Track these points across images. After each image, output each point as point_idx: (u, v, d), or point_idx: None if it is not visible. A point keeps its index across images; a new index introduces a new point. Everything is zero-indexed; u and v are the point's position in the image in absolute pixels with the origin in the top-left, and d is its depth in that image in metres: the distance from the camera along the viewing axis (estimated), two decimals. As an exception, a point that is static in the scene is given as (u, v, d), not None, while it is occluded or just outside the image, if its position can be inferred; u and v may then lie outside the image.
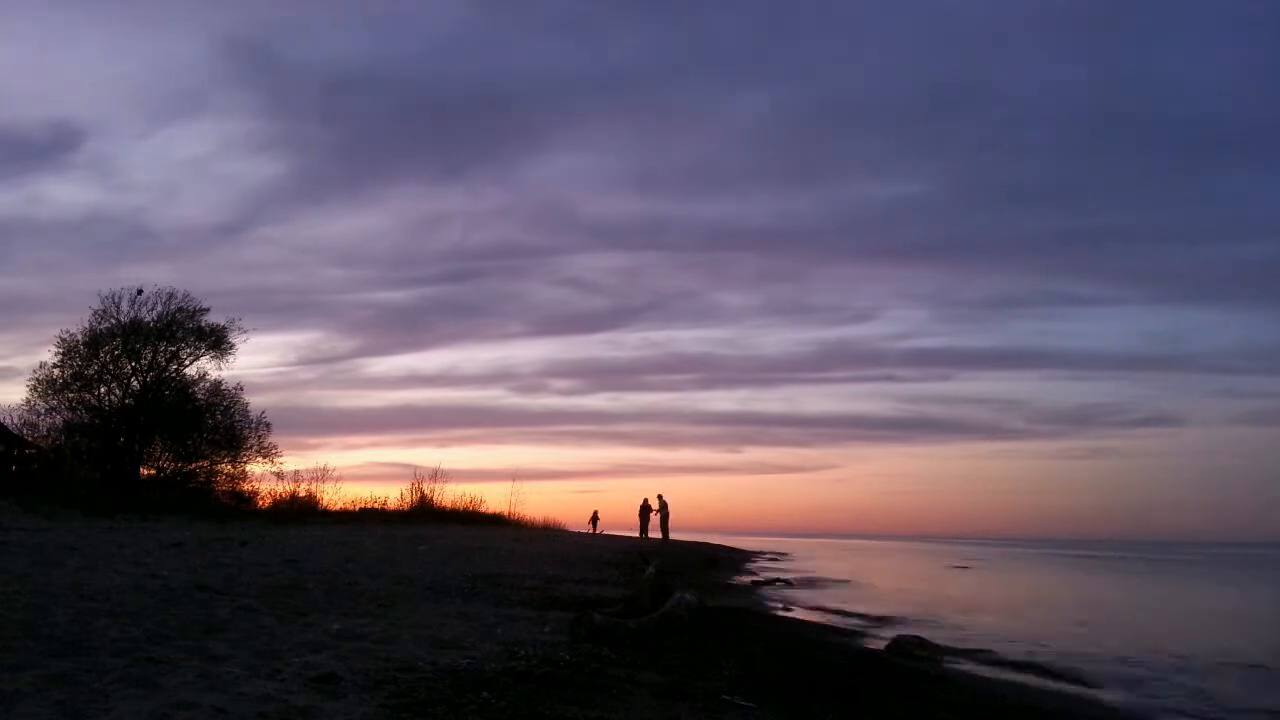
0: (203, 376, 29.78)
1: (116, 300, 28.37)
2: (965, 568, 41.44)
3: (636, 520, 41.10)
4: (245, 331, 30.00)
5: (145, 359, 28.66)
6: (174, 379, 29.36)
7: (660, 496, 39.65)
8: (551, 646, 7.70)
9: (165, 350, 29.07)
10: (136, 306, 28.64)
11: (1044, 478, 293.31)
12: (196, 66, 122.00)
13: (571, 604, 11.12)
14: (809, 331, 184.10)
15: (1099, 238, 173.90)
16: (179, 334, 29.17)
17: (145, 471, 28.49)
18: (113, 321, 28.30)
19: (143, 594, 8.72)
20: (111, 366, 28.30)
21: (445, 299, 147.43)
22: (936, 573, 38.00)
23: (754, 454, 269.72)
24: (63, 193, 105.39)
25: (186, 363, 29.62)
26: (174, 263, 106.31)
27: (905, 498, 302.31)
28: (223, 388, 29.87)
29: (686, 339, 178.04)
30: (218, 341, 29.48)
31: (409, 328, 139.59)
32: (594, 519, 51.45)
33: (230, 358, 29.61)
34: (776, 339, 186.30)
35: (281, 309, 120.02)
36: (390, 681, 5.74)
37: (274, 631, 7.29)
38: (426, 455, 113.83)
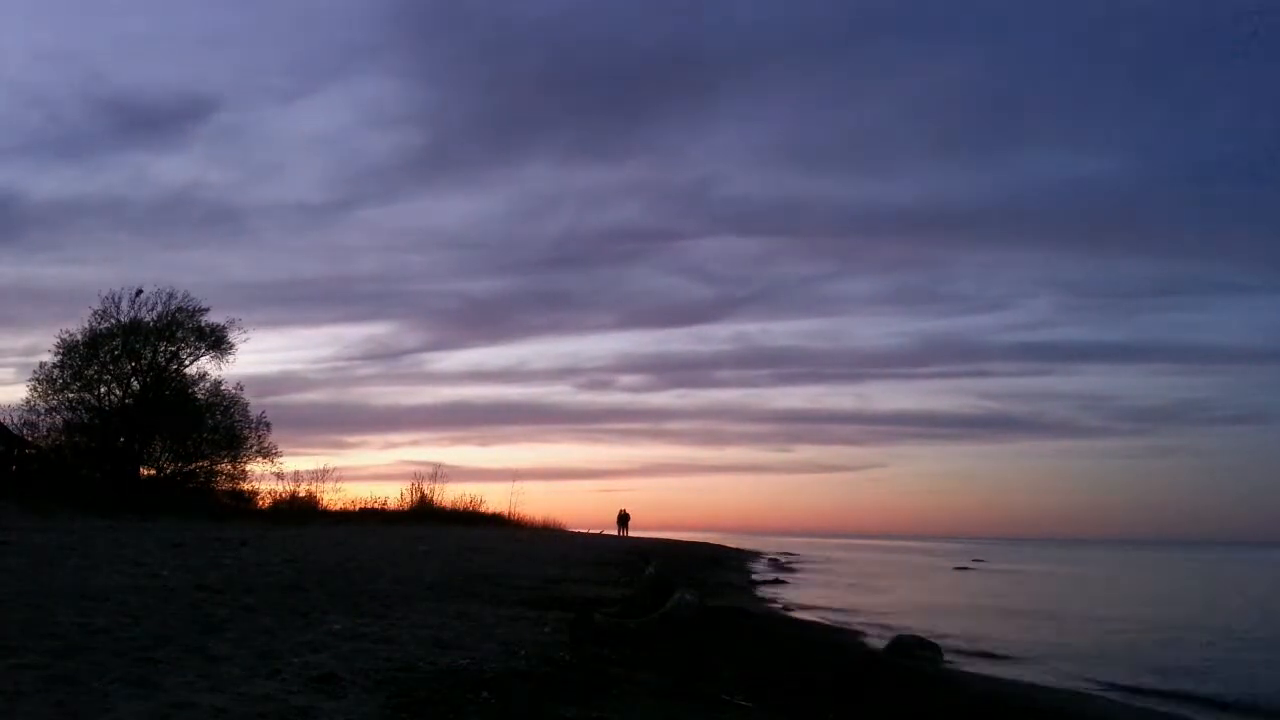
0: (203, 376, 29.80)
1: (116, 300, 28.39)
2: (975, 569, 41.28)
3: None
4: (245, 331, 30.02)
5: (145, 359, 28.66)
6: (174, 379, 29.35)
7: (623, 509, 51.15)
8: (551, 646, 7.70)
9: (165, 350, 29.06)
10: (136, 306, 28.65)
11: (1100, 477, 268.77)
12: (350, 27, 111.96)
13: (571, 604, 11.11)
14: (919, 323, 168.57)
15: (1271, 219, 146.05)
16: (179, 334, 29.18)
17: (145, 471, 28.47)
18: (112, 321, 28.31)
19: (143, 594, 8.71)
20: (111, 366, 28.28)
21: (539, 288, 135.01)
22: (945, 573, 37.96)
23: (804, 453, 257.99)
24: (164, 169, 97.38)
25: (186, 363, 29.64)
26: (251, 249, 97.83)
27: (940, 498, 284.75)
28: (223, 388, 29.89)
29: (780, 332, 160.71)
30: (218, 341, 29.48)
31: (488, 320, 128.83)
32: (622, 519, 49.74)
33: (230, 357, 29.63)
34: (879, 331, 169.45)
35: (358, 299, 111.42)
36: (390, 681, 5.74)
37: (274, 631, 7.28)
38: (465, 454, 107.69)
